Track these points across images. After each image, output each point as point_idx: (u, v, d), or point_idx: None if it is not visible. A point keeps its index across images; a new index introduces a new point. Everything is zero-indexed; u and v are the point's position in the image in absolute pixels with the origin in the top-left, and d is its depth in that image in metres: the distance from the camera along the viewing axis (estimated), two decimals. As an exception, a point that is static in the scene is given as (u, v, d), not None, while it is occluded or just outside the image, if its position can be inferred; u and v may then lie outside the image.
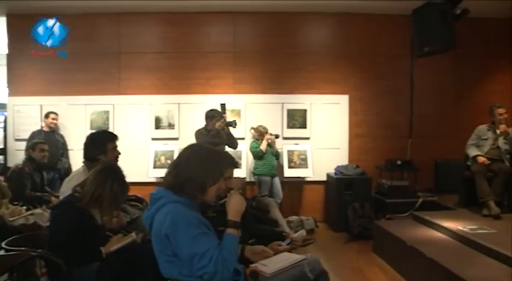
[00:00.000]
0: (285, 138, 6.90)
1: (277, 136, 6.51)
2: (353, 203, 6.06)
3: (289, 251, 2.75)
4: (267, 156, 6.37)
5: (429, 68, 6.92)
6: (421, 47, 5.96)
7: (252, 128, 6.61)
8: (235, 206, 2.26)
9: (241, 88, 7.01)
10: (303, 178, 6.87)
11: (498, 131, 5.49)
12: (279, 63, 7.04)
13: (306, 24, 7.19)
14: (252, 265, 2.40)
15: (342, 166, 6.59)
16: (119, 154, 3.58)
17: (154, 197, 2.26)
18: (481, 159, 5.33)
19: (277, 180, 6.46)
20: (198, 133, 5.56)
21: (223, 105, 5.83)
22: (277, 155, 6.56)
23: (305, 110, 6.98)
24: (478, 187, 5.17)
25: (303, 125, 6.98)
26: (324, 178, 6.88)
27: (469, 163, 5.57)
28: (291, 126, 6.98)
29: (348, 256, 5.17)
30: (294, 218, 6.36)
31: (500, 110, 5.51)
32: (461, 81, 7.29)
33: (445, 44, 5.75)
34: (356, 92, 7.10)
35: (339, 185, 6.37)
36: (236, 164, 2.54)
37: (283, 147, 6.85)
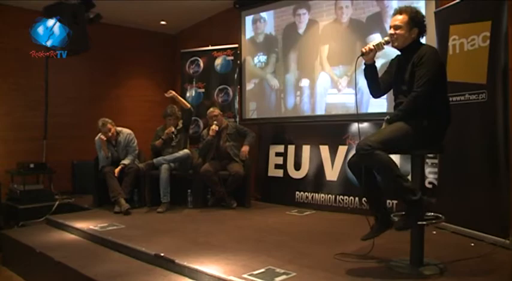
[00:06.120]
0: None
1: None
2: (-21, 214, 5.43)
3: None
4: None
5: (66, 69, 6.82)
6: (52, 45, 5.79)
7: None
8: None
9: None
10: None
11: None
12: None
13: None
14: None
15: (-35, 174, 5.81)
16: None
17: None
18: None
19: None
20: None
21: None
22: None
23: None
24: (109, 186, 5.44)
25: None
26: None
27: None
28: None
29: (-31, 276, 4.56)
30: None
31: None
32: (96, 84, 7.48)
33: (77, 46, 5.75)
34: (-18, 89, 6.35)
35: (-41, 195, 5.59)
36: None
37: None
